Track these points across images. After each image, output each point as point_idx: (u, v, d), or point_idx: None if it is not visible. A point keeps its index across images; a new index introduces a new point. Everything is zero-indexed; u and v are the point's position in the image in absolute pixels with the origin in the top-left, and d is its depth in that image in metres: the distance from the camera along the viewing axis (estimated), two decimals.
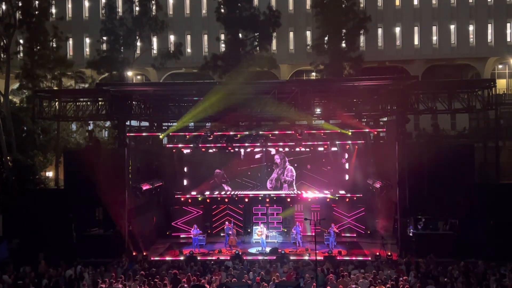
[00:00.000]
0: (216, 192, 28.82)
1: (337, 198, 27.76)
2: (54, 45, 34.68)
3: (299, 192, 28.42)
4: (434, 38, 41.98)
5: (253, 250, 25.33)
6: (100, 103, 24.63)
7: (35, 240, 23.17)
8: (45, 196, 26.65)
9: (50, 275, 18.64)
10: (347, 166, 28.96)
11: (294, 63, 42.81)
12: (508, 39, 41.54)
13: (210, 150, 28.13)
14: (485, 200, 23.13)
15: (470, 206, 22.84)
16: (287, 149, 28.34)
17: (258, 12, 36.12)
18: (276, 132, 26.13)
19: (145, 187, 25.60)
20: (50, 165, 34.72)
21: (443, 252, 21.52)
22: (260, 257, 23.28)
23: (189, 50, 42.68)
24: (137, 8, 36.74)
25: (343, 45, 35.90)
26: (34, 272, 19.11)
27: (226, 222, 26.92)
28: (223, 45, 38.69)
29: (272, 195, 28.51)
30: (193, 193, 28.67)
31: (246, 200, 28.18)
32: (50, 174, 36.81)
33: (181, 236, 28.36)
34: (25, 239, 23.80)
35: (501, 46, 41.37)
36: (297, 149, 27.86)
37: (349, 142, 27.75)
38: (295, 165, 29.30)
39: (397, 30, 42.12)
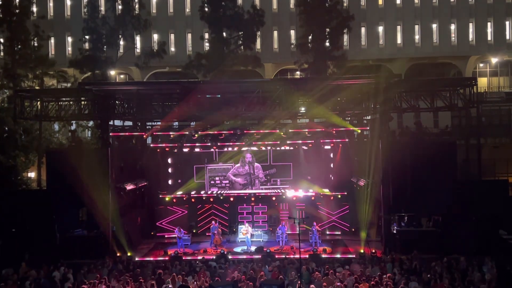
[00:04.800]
0: (194, 192, 28.72)
1: (321, 196, 27.88)
2: (36, 44, 34.24)
3: (284, 191, 28.45)
4: (417, 37, 42.40)
5: (238, 249, 25.31)
6: (82, 102, 24.39)
7: (17, 242, 22.85)
8: (28, 197, 26.25)
9: (32, 277, 18.42)
10: (331, 164, 29.12)
11: (278, 62, 42.86)
12: (489, 38, 42.14)
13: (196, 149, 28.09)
14: (467, 197, 23.43)
15: (453, 202, 23.13)
16: (277, 148, 28.34)
17: (242, 11, 36.12)
18: (261, 131, 26.15)
19: (129, 187, 25.43)
20: (32, 165, 34.27)
21: (426, 249, 21.76)
22: (245, 256, 23.28)
23: (172, 49, 42.48)
24: (120, 7, 36.49)
25: (327, 44, 36.05)
26: (17, 275, 18.86)
27: (213, 221, 26.85)
28: (207, 44, 38.67)
29: (257, 194, 28.49)
30: (178, 192, 28.54)
31: (231, 199, 28.13)
32: (32, 175, 36.34)
33: (166, 236, 28.19)
34: (7, 241, 23.44)
35: (482, 44, 41.95)
36: (282, 148, 27.96)
37: (333, 140, 27.88)
38: (274, 168, 29.22)
39: (380, 29, 42.44)
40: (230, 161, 29.24)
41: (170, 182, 29.32)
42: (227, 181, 29.36)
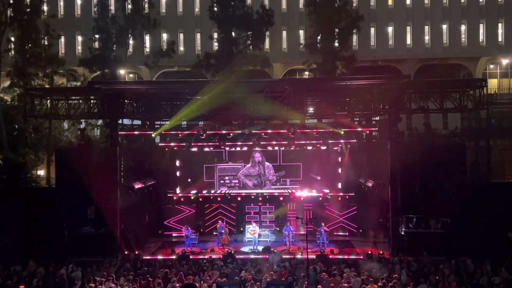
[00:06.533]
0: (206, 191, 28.77)
1: (329, 197, 27.81)
2: (46, 43, 34.52)
3: (291, 191, 28.42)
4: (426, 37, 42.18)
5: (245, 249, 25.32)
6: (92, 101, 24.47)
7: (26, 239, 23.03)
8: (36, 194, 26.44)
9: (40, 274, 18.55)
10: (339, 165, 29.02)
11: (287, 62, 42.83)
12: (500, 39, 41.82)
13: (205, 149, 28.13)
14: (476, 199, 23.25)
15: (462, 204, 22.95)
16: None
17: (251, 11, 36.17)
18: (269, 131, 26.15)
19: (137, 185, 25.51)
20: (41, 163, 34.55)
21: (434, 251, 21.61)
22: (252, 256, 23.29)
23: (182, 48, 42.58)
24: (130, 6, 36.67)
25: (336, 44, 35.99)
26: (25, 272, 19.00)
27: (219, 221, 26.88)
28: (216, 44, 38.69)
29: (265, 194, 28.49)
30: (192, 192, 28.58)
31: (239, 199, 28.15)
32: (41, 172, 36.62)
33: (174, 235, 28.30)
34: (15, 238, 23.64)
35: (493, 46, 41.65)
36: (292, 148, 27.94)
37: (342, 141, 27.82)
38: (284, 171, 29.18)
39: (390, 29, 42.27)
40: (240, 160, 29.24)
41: (178, 181, 29.35)
42: (237, 181, 29.37)
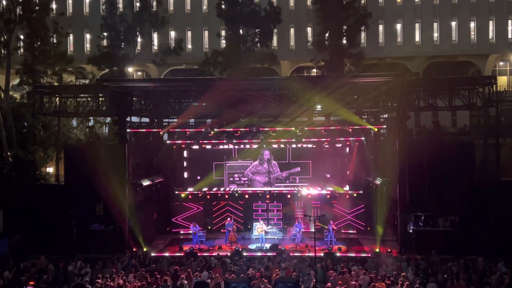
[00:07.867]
0: (216, 189, 28.82)
1: (337, 195, 27.76)
2: (55, 41, 34.76)
3: (299, 189, 28.37)
4: (435, 34, 41.98)
5: (253, 246, 25.35)
6: (100, 99, 24.61)
7: (35, 236, 23.22)
8: (46, 191, 26.64)
9: (50, 271, 18.69)
10: (347, 163, 28.93)
11: (294, 60, 42.81)
12: (509, 36, 41.55)
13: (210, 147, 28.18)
14: (485, 197, 23.12)
15: (470, 203, 22.85)
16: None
17: (258, 8, 36.15)
18: (277, 129, 26.12)
19: (146, 183, 25.60)
20: (50, 160, 34.76)
21: (443, 249, 21.51)
22: (259, 253, 23.32)
23: (189, 46, 42.70)
24: (138, 4, 36.80)
25: (344, 41, 35.89)
26: (35, 268, 19.16)
27: (228, 218, 26.91)
28: (223, 41, 38.76)
29: (272, 191, 28.46)
30: (195, 189, 28.63)
31: (246, 196, 28.15)
32: (50, 169, 36.85)
33: (181, 232, 28.37)
34: (25, 234, 23.83)
35: (502, 43, 41.35)
36: (301, 145, 27.92)
37: (350, 139, 27.72)
38: (299, 167, 29.10)
39: (398, 26, 42.10)
40: (249, 158, 29.22)
41: (186, 178, 29.40)
42: (246, 178, 29.33)
